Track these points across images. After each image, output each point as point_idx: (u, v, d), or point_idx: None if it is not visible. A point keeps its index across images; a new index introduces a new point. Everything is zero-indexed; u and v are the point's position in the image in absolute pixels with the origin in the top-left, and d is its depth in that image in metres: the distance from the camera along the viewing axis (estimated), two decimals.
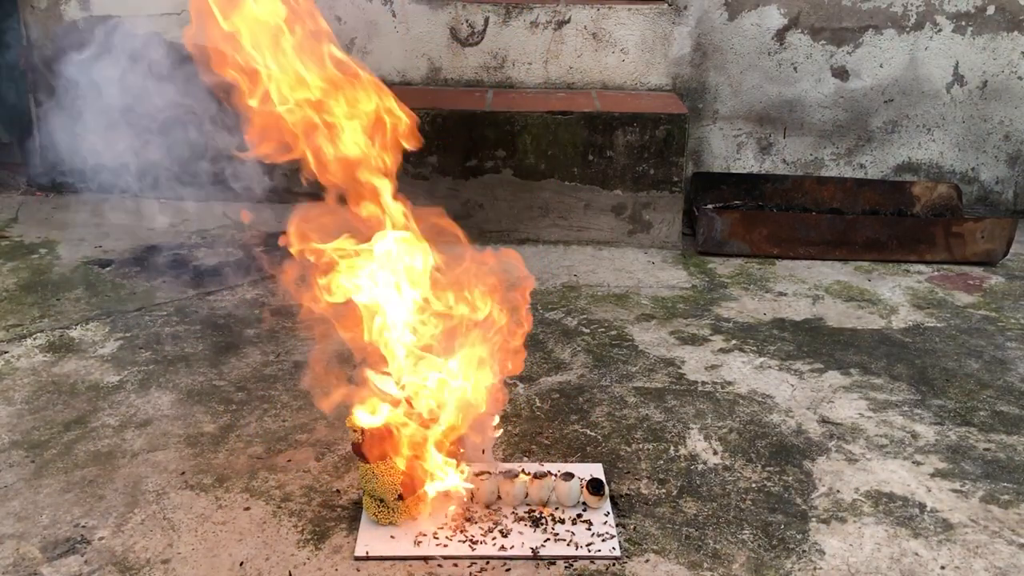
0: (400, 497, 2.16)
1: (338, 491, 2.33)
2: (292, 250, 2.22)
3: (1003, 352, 3.16)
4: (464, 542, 2.13)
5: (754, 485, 2.39)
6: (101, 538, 2.14)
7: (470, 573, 2.05)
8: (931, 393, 2.88)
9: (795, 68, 4.34)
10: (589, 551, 2.11)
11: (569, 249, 4.04)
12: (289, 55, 2.13)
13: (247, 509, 2.26)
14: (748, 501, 2.32)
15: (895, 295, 3.63)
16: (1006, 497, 2.36)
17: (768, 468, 2.46)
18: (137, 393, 2.79)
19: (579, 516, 2.22)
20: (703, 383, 2.91)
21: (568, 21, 4.29)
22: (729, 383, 2.91)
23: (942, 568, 2.10)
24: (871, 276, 3.81)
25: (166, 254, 3.89)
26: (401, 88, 4.15)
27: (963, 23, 4.27)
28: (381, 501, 2.17)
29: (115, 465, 2.43)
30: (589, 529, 2.18)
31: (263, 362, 2.98)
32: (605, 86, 4.38)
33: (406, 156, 2.30)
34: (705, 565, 2.09)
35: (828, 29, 4.29)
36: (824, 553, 2.14)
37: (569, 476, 2.26)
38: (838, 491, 2.37)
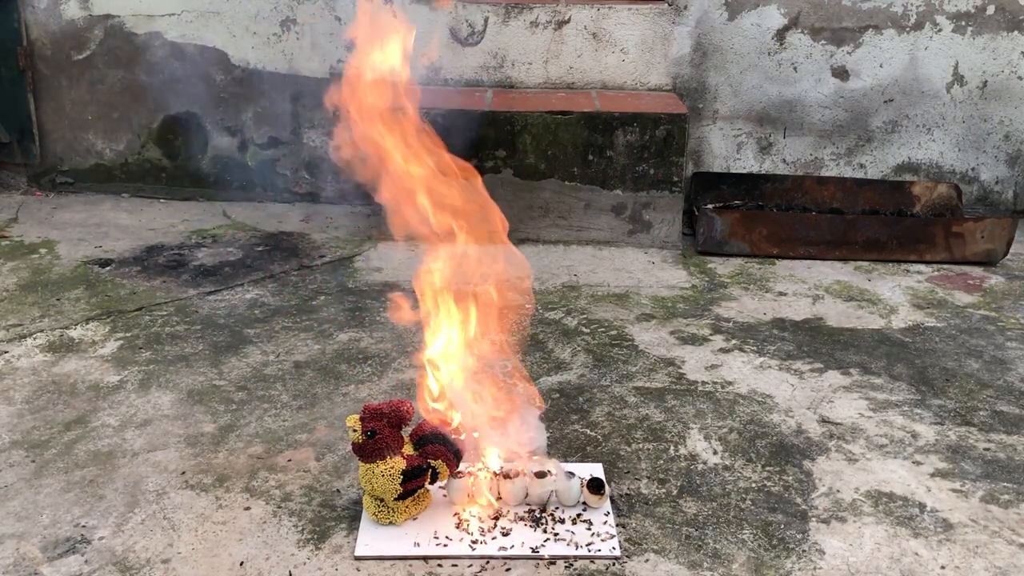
0: (400, 497, 2.16)
1: (338, 491, 2.33)
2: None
3: (1003, 352, 3.16)
4: (464, 542, 2.13)
5: (754, 485, 2.39)
6: (101, 538, 2.14)
7: (470, 573, 2.05)
8: (931, 393, 2.88)
9: (795, 68, 4.34)
10: (589, 551, 2.11)
11: (569, 249, 4.04)
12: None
13: (247, 509, 2.26)
14: (748, 501, 2.32)
15: (895, 295, 3.63)
16: (1006, 497, 2.36)
17: (768, 468, 2.46)
18: (137, 393, 2.79)
19: (579, 516, 2.22)
20: (703, 383, 2.91)
21: (568, 21, 4.29)
22: (729, 383, 2.91)
23: (942, 568, 2.10)
24: (871, 276, 3.82)
25: (166, 254, 3.89)
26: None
27: (963, 23, 4.27)
28: (381, 501, 2.17)
29: (115, 465, 2.43)
30: (589, 529, 2.18)
31: (263, 362, 2.98)
32: (605, 86, 4.38)
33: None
34: (705, 565, 2.09)
35: (828, 29, 4.29)
36: (824, 553, 2.14)
37: (569, 475, 2.26)
38: (838, 491, 2.37)
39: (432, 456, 2.20)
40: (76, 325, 3.22)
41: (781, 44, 4.32)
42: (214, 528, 2.19)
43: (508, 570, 2.06)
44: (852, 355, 3.11)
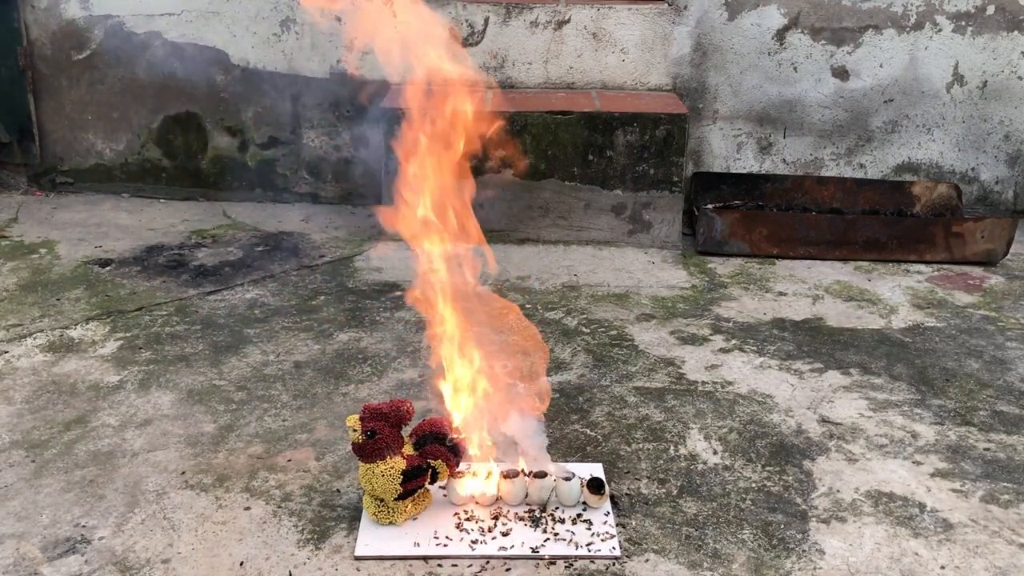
0: (400, 497, 2.16)
1: (338, 491, 2.33)
2: None
3: (1003, 352, 3.16)
4: (464, 542, 2.13)
5: (754, 485, 2.39)
6: (101, 538, 2.14)
7: (470, 573, 2.05)
8: (931, 393, 2.88)
9: (795, 68, 4.34)
10: (589, 551, 2.10)
11: (569, 249, 4.04)
12: None
13: (247, 509, 2.26)
14: (748, 501, 2.32)
15: (895, 295, 3.63)
16: (1006, 497, 2.36)
17: (768, 468, 2.46)
18: (137, 393, 2.79)
19: (579, 516, 2.22)
20: (703, 383, 2.90)
21: (568, 21, 4.29)
22: (729, 383, 2.91)
23: (942, 568, 2.10)
24: (871, 276, 3.82)
25: (166, 254, 3.89)
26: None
27: (963, 23, 4.27)
28: (381, 501, 2.17)
29: (115, 465, 2.43)
30: (589, 529, 2.18)
31: (263, 362, 2.98)
32: (605, 86, 4.38)
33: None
34: (705, 565, 2.09)
35: (828, 29, 4.29)
36: (824, 553, 2.14)
37: (569, 476, 2.26)
38: (838, 491, 2.37)
39: (432, 456, 2.20)
40: (76, 325, 3.22)
41: (781, 44, 4.32)
42: (214, 528, 2.19)
43: (508, 570, 2.06)
44: (852, 355, 3.11)
